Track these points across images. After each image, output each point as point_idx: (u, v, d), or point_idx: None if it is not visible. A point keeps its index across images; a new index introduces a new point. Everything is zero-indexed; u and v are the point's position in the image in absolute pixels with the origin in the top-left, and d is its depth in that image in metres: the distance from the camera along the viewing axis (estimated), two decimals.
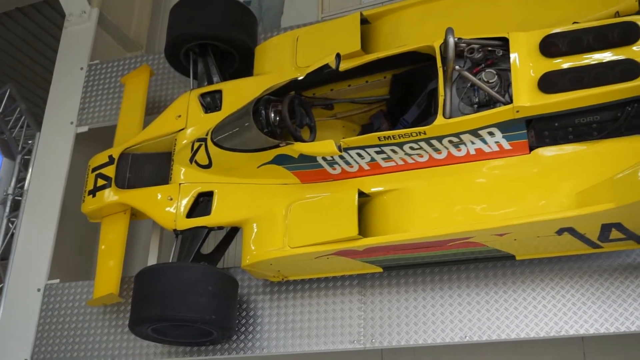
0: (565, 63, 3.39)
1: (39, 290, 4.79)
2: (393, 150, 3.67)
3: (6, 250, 5.25)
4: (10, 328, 4.73)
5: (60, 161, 5.25)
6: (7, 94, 5.75)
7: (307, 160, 3.83)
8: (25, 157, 5.63)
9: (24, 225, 5.13)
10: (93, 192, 4.54)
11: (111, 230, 4.51)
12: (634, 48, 3.29)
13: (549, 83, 3.36)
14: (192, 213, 4.17)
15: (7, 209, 5.47)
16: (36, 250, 4.99)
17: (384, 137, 3.62)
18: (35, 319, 4.67)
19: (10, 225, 5.39)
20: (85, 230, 5.17)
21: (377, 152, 3.70)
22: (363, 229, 3.63)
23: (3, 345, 4.68)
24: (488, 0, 4.03)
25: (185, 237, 4.17)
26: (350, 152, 3.73)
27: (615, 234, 3.34)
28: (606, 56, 3.34)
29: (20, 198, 5.39)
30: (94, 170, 4.61)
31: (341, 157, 3.76)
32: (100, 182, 4.53)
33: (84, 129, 5.36)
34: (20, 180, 5.54)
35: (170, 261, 4.18)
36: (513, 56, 3.47)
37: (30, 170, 5.38)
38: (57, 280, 4.81)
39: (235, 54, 4.75)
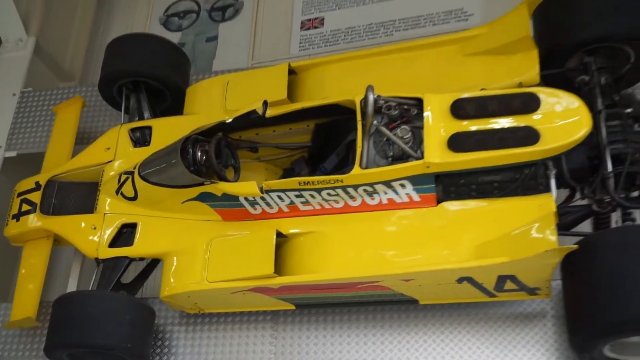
0: (472, 125, 3.48)
1: None
2: (311, 195, 3.70)
3: None
4: None
5: None
6: None
7: (230, 199, 3.81)
8: None
9: None
10: (17, 217, 4.39)
11: (33, 255, 4.37)
12: (534, 117, 3.42)
13: (457, 143, 3.44)
14: (114, 243, 4.09)
15: None
16: None
17: (304, 182, 3.64)
18: None
19: None
20: (6, 253, 4.98)
21: (297, 196, 3.73)
22: (279, 268, 3.62)
23: None
24: (406, 62, 4.12)
25: (107, 266, 4.07)
26: (271, 194, 3.74)
27: (509, 285, 3.44)
28: (509, 122, 3.44)
29: None
30: (19, 195, 4.47)
31: (262, 198, 3.76)
32: (25, 207, 4.39)
33: (12, 153, 5.21)
34: None
35: (90, 289, 4.07)
36: (426, 115, 3.56)
37: None
38: None
39: (167, 93, 4.72)
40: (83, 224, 4.19)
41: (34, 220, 4.32)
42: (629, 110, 3.48)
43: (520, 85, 3.75)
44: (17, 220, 4.38)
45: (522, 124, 3.42)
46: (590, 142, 3.41)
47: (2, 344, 4.35)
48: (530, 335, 3.63)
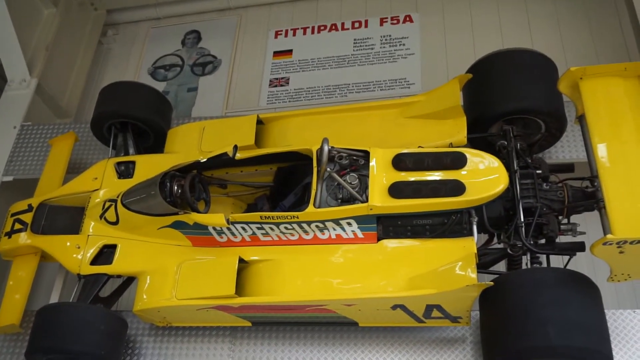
0: (410, 177, 3.52)
1: None
2: (271, 228, 3.67)
3: None
4: None
5: None
6: None
7: (200, 228, 3.76)
8: None
9: None
10: (9, 234, 4.24)
11: (21, 269, 4.21)
12: (461, 172, 3.47)
13: (396, 190, 3.47)
14: (95, 261, 3.96)
15: None
16: None
17: (265, 216, 3.62)
18: None
19: None
20: None
21: (258, 228, 3.69)
22: (239, 290, 3.57)
23: None
24: (357, 120, 4.15)
25: (87, 281, 3.95)
26: (236, 225, 3.70)
27: (435, 313, 3.44)
28: (440, 175, 3.49)
29: None
30: (13, 215, 4.32)
31: (228, 228, 3.72)
32: (17, 226, 4.24)
33: (9, 178, 5.04)
34: None
35: (71, 301, 3.93)
36: (372, 165, 3.58)
37: None
38: None
39: (151, 133, 4.65)
40: (68, 243, 4.06)
41: (24, 238, 4.18)
42: (539, 171, 3.58)
43: (450, 145, 3.80)
44: (9, 237, 4.23)
45: (451, 178, 3.46)
46: (507, 196, 3.48)
47: None
48: (452, 357, 3.62)
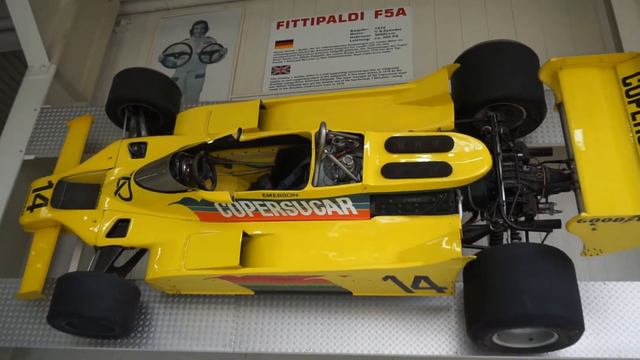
0: (401, 158, 3.55)
1: None
2: (272, 205, 3.71)
3: None
4: None
5: (7, 180, 4.94)
6: None
7: (207, 204, 3.80)
8: None
9: None
10: (31, 208, 4.28)
11: (42, 240, 4.25)
12: (449, 155, 3.50)
13: (388, 171, 3.50)
14: (111, 234, 4.01)
15: None
16: None
17: (267, 194, 3.65)
18: None
19: None
20: (19, 238, 4.88)
21: (260, 205, 3.73)
22: (243, 261, 3.62)
23: None
24: (352, 105, 4.16)
25: (103, 252, 4.00)
26: (240, 202, 3.73)
27: (423, 283, 3.49)
28: (429, 157, 3.52)
29: None
30: (34, 191, 4.36)
31: (233, 205, 3.75)
32: (39, 201, 4.28)
33: (31, 157, 5.06)
34: None
35: (88, 270, 3.99)
36: (366, 148, 3.60)
37: None
38: None
39: (161, 116, 4.66)
40: (86, 217, 4.11)
41: (45, 212, 4.22)
42: (520, 154, 3.60)
43: (439, 129, 3.81)
44: (31, 211, 4.27)
45: (439, 160, 3.49)
46: (490, 177, 3.51)
47: (12, 312, 4.21)
48: (437, 324, 3.68)
